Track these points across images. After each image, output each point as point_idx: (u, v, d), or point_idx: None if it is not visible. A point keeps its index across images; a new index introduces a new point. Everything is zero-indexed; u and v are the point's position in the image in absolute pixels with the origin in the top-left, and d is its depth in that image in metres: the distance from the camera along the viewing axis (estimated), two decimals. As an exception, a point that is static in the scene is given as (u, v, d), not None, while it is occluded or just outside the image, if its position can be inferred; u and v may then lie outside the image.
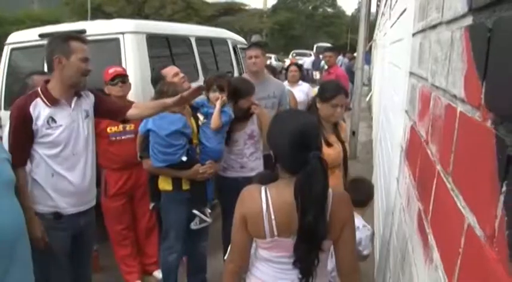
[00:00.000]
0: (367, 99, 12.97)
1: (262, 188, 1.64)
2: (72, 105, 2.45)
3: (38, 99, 2.35)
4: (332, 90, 2.67)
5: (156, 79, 3.30)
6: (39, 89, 2.39)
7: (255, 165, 3.30)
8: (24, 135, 2.35)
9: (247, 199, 1.67)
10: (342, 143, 2.77)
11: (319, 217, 1.53)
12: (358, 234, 2.21)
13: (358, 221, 2.38)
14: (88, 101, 2.56)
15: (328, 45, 8.44)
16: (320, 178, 1.53)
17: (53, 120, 2.36)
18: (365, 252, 2.47)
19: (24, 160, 2.38)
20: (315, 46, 29.20)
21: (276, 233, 1.60)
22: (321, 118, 2.66)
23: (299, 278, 1.62)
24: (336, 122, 2.77)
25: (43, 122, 2.34)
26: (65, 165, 2.43)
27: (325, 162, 1.58)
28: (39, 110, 2.34)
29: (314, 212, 1.52)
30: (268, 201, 1.61)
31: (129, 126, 3.32)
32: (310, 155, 1.53)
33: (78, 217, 2.53)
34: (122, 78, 3.33)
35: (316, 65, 22.58)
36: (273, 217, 1.59)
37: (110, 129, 3.29)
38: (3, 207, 1.93)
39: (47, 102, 2.35)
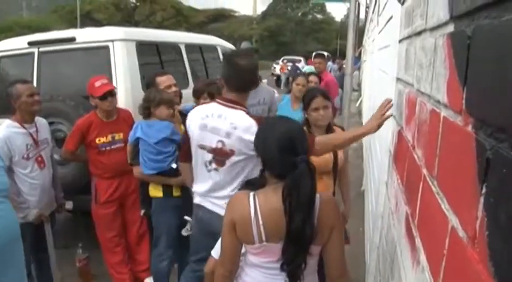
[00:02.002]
0: (357, 104, 13.04)
1: (251, 194, 1.66)
2: None
3: None
4: (308, 96, 2.74)
5: (148, 85, 3.29)
6: None
7: None
8: None
9: (236, 205, 1.68)
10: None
11: (307, 220, 1.55)
12: None
13: None
14: None
15: (325, 53, 8.26)
16: (307, 181, 1.55)
17: None
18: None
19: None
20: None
21: (264, 239, 1.61)
22: (312, 125, 2.70)
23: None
24: (329, 128, 2.77)
25: None
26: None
27: (313, 166, 1.60)
28: None
29: (302, 215, 1.53)
30: (256, 207, 1.62)
31: (118, 136, 3.31)
32: (297, 159, 1.55)
33: None
34: (110, 92, 3.24)
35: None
36: (261, 223, 1.60)
37: (99, 140, 3.26)
38: None
39: None
